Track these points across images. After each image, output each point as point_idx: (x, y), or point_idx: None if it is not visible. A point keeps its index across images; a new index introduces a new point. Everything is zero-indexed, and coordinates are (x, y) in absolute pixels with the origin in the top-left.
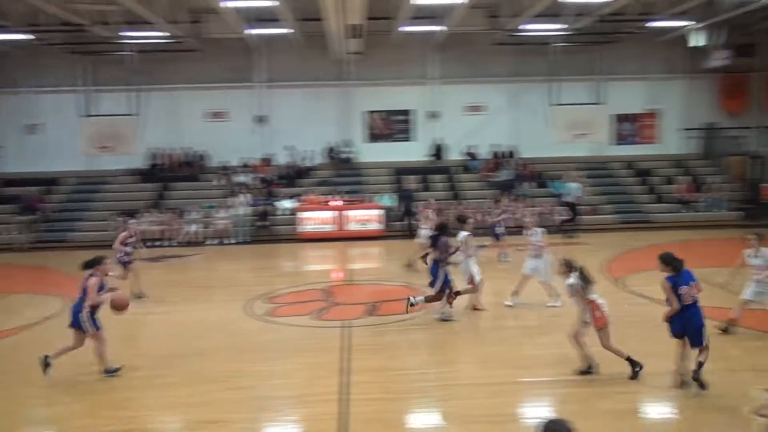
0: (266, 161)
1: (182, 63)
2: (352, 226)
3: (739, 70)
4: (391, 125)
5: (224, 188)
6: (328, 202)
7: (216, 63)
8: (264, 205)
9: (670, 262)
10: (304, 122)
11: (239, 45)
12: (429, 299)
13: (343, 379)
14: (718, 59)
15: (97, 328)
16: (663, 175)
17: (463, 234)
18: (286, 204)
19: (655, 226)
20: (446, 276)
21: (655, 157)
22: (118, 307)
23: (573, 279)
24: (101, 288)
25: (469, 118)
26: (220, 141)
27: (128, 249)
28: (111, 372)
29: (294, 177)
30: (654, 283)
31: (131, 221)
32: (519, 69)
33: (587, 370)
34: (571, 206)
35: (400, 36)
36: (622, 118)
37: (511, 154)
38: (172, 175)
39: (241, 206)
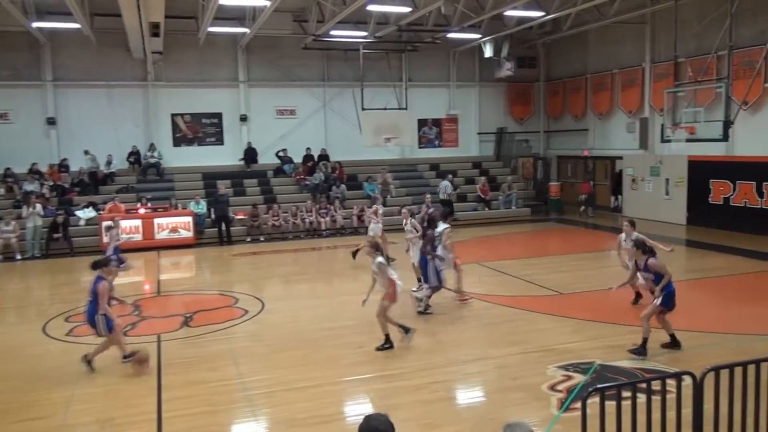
0: (60, 167)
1: None
2: (162, 235)
3: (524, 80)
4: (201, 129)
5: (9, 198)
6: (134, 210)
7: None
8: (59, 216)
9: (643, 246)
10: (104, 125)
11: (24, 39)
12: (429, 295)
13: (159, 397)
14: (506, 70)
15: (110, 330)
16: (464, 176)
17: (443, 227)
18: (86, 213)
19: (460, 224)
20: (436, 268)
21: (456, 159)
22: (141, 362)
23: (380, 259)
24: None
25: (281, 122)
26: (3, 145)
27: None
28: (127, 357)
29: (94, 184)
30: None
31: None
32: (329, 74)
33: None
34: (446, 202)
35: (207, 36)
36: (426, 123)
37: (323, 158)
38: None
39: (32, 217)
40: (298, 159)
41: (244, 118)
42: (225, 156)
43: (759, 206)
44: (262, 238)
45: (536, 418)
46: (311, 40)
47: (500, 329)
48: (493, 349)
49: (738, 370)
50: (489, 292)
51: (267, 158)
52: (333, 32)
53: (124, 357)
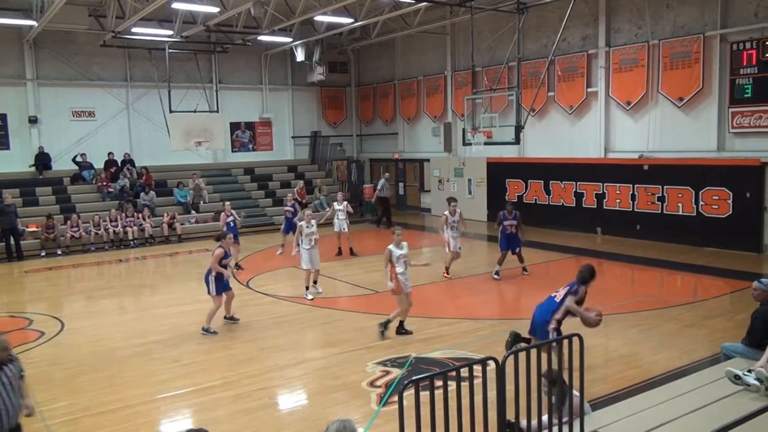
0: None
1: None
2: None
3: (336, 85)
4: None
5: None
6: None
7: None
8: None
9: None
10: None
11: None
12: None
13: None
14: (318, 74)
15: (218, 293)
16: (280, 180)
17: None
18: None
19: (278, 228)
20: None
21: (271, 163)
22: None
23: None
24: (226, 256)
25: (78, 124)
26: None
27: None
28: (207, 332)
29: None
30: (277, 281)
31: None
32: (132, 73)
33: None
34: (384, 200)
35: None
36: (239, 126)
37: (129, 163)
38: None
39: None
40: (99, 164)
41: (33, 120)
42: (11, 162)
43: (546, 202)
44: (59, 252)
45: (358, 415)
46: (110, 37)
47: (320, 331)
48: (314, 351)
49: (533, 352)
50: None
51: (63, 164)
52: (135, 30)
53: (203, 329)
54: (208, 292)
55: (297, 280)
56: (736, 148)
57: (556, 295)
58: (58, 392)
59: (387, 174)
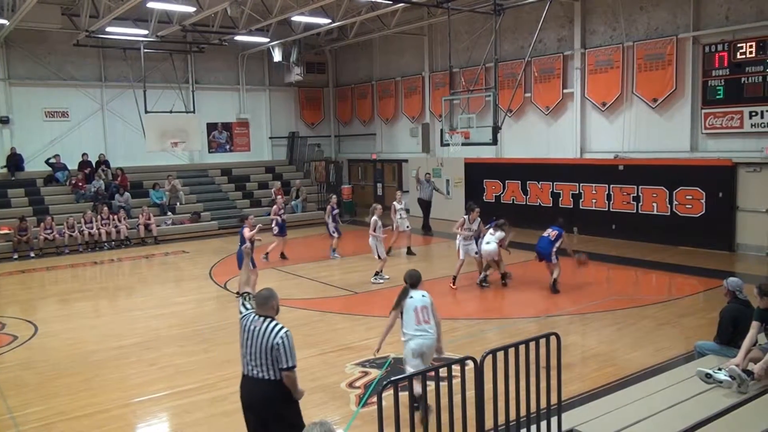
0: None
1: None
2: None
3: (314, 85)
4: None
5: None
6: None
7: None
8: None
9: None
10: None
11: None
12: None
13: None
14: (295, 74)
15: (253, 266)
16: (258, 181)
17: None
18: None
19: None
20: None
21: (249, 164)
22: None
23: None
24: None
25: (51, 125)
26: None
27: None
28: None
29: None
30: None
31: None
32: (106, 73)
33: None
34: (426, 204)
35: None
36: (216, 127)
37: (103, 164)
38: None
39: None
40: (73, 165)
41: (5, 121)
42: None
43: (524, 203)
44: (32, 254)
45: (337, 416)
46: (84, 37)
47: (298, 332)
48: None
49: (511, 351)
50: (286, 296)
51: (35, 165)
52: (109, 29)
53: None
54: (253, 266)
55: (273, 281)
56: (709, 148)
57: (549, 235)
58: (32, 397)
59: (426, 173)
